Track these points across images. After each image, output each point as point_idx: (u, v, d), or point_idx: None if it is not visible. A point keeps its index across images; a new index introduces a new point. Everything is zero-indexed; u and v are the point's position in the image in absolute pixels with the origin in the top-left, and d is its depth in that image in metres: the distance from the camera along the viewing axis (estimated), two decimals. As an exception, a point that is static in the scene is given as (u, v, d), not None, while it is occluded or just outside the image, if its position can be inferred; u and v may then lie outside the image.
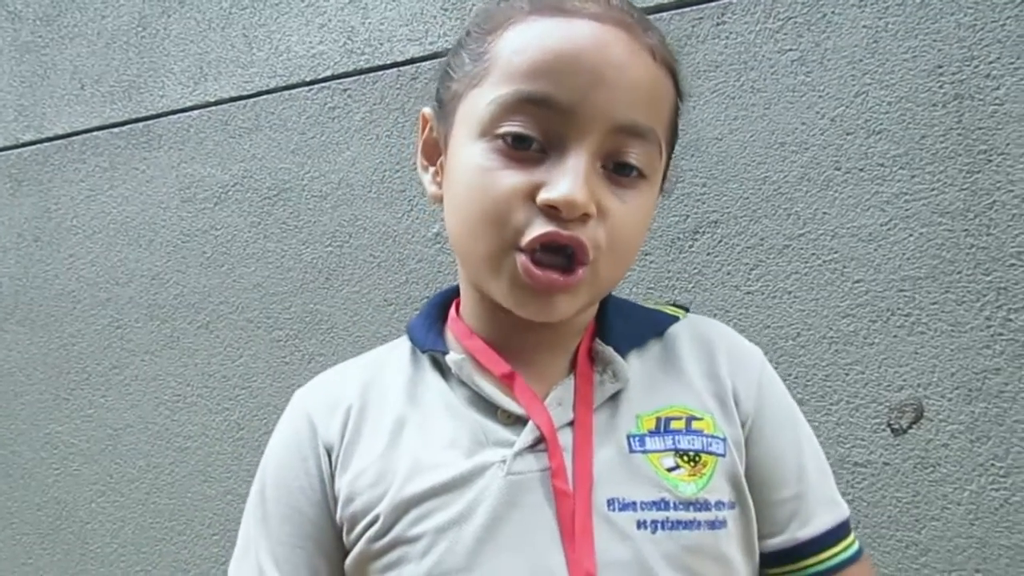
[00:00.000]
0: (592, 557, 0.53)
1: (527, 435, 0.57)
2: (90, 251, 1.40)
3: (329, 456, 0.62)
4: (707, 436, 0.59)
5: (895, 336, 0.94)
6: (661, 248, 1.04)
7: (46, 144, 1.46)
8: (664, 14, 1.05)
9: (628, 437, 0.58)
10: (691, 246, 1.03)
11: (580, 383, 0.59)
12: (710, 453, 0.58)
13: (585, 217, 0.53)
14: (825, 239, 0.97)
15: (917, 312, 0.94)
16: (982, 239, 0.91)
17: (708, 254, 1.02)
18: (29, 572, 1.40)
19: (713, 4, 1.03)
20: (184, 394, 1.31)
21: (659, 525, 0.55)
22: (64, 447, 1.39)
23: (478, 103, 0.56)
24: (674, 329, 0.65)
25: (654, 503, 0.55)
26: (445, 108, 0.60)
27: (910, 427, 0.93)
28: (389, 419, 0.61)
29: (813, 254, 0.98)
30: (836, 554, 0.62)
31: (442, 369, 0.62)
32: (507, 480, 0.55)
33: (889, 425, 0.94)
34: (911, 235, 0.94)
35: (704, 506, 0.56)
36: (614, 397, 0.60)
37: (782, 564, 0.62)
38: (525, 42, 0.55)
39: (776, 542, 0.61)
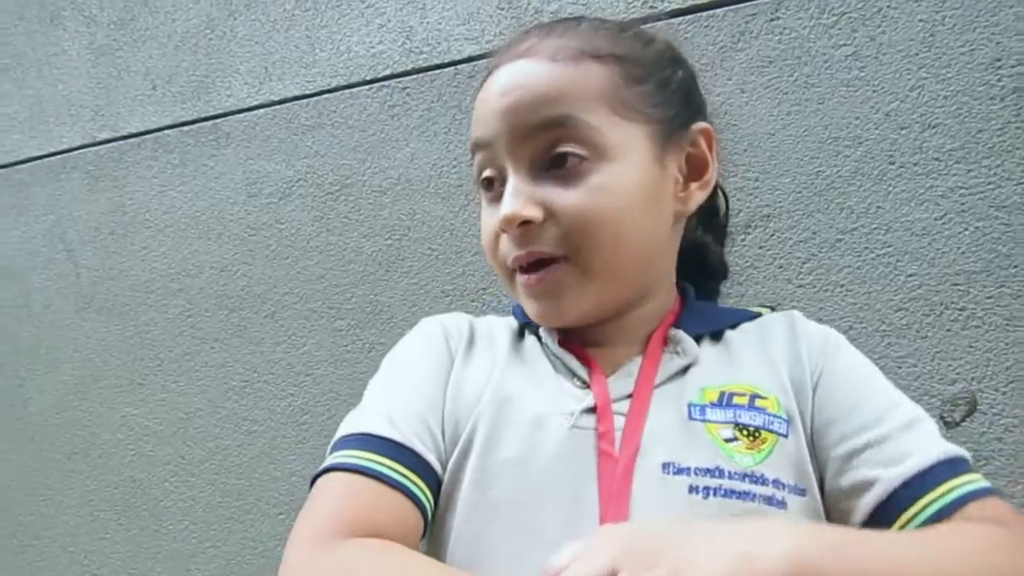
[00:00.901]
0: (624, 516, 0.56)
1: (590, 398, 0.62)
2: (162, 244, 1.47)
3: (452, 361, 0.68)
4: (769, 414, 0.60)
5: (949, 330, 0.94)
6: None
7: (121, 142, 1.53)
8: (718, 11, 1.07)
9: (689, 405, 0.61)
10: (744, 240, 1.04)
11: (646, 362, 0.64)
12: (770, 431, 0.60)
13: (531, 224, 0.62)
14: (878, 233, 0.98)
15: (972, 306, 0.94)
16: (1040, 233, 0.91)
17: (760, 248, 1.04)
18: (106, 546, 1.49)
19: (766, 0, 1.04)
20: (251, 380, 1.37)
21: (711, 491, 0.56)
22: (139, 429, 1.47)
23: (473, 161, 0.69)
24: (752, 323, 0.69)
25: (708, 470, 0.57)
26: None
27: (963, 420, 0.94)
28: (495, 353, 0.68)
29: (866, 248, 0.99)
30: (951, 490, 0.55)
31: (539, 338, 0.70)
32: (571, 431, 0.60)
33: (942, 418, 0.94)
34: (966, 229, 0.94)
35: (760, 480, 0.57)
36: (684, 372, 0.64)
37: (892, 520, 0.56)
38: (475, 106, 0.68)
39: (872, 495, 0.56)
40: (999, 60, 0.94)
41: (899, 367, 0.96)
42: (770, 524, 0.50)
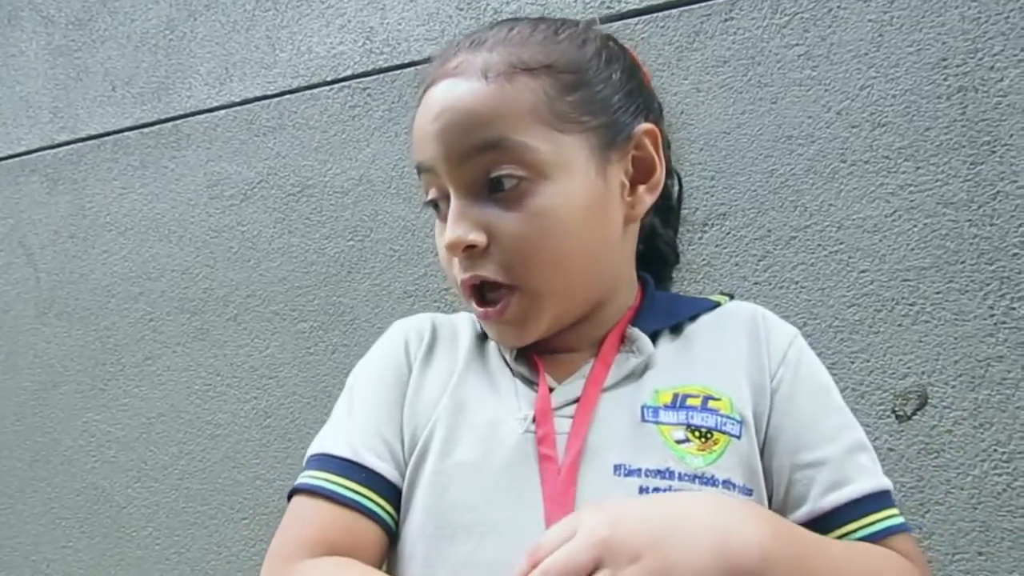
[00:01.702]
0: None
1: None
2: (123, 247, 1.46)
3: (410, 370, 0.69)
4: (722, 415, 0.60)
5: (900, 325, 0.96)
6: (671, 240, 1.07)
7: (80, 144, 1.51)
8: (673, 11, 1.08)
9: (642, 408, 0.61)
10: (700, 238, 1.06)
11: (597, 364, 0.64)
12: (723, 432, 0.60)
13: (473, 249, 0.61)
14: (831, 230, 1.00)
15: (921, 302, 0.96)
16: (985, 229, 0.93)
17: (717, 246, 1.05)
18: (68, 554, 1.47)
19: (720, 1, 1.06)
20: (214, 384, 1.36)
21: (661, 492, 0.57)
22: (101, 435, 1.45)
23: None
24: (712, 314, 0.68)
25: (659, 471, 0.58)
26: None
27: (914, 414, 0.95)
28: (456, 357, 0.68)
29: (819, 245, 1.00)
30: (875, 522, 0.59)
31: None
32: (524, 436, 0.61)
33: (894, 412, 0.96)
34: (915, 226, 0.96)
35: (711, 481, 0.58)
36: (640, 374, 0.63)
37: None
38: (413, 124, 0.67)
39: (803, 512, 0.60)
40: (945, 60, 0.95)
41: (852, 362, 0.98)
42: (743, 514, 0.52)
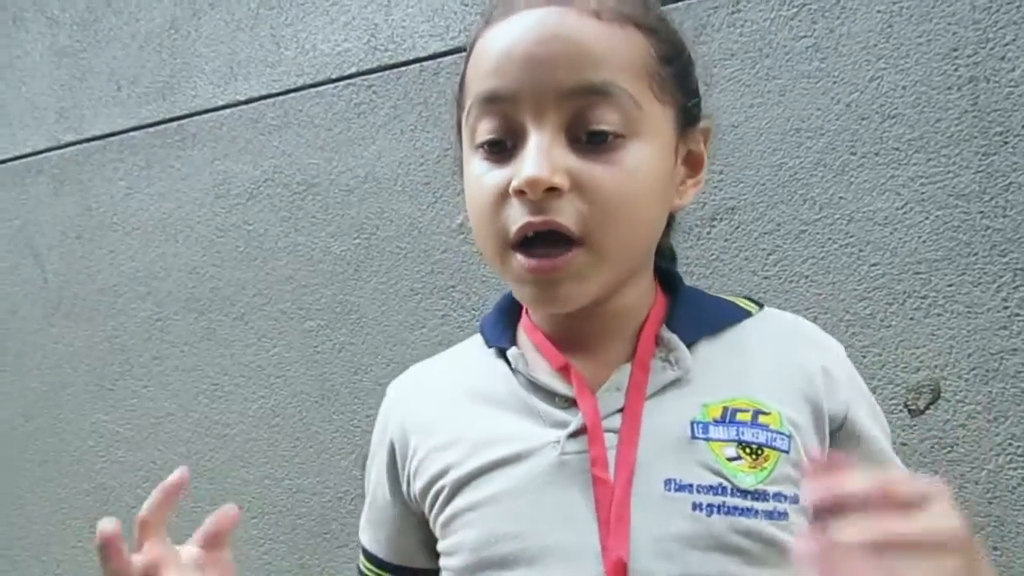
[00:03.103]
0: (626, 544, 0.55)
1: (577, 419, 0.59)
2: (130, 247, 1.46)
3: (394, 446, 0.68)
4: (772, 431, 0.59)
5: (911, 318, 0.95)
6: (679, 235, 1.05)
7: (86, 145, 1.51)
8: (680, 4, 1.07)
9: (692, 423, 0.58)
10: (709, 233, 1.05)
11: (636, 370, 0.60)
12: (773, 448, 0.58)
13: (554, 192, 0.55)
14: (841, 223, 0.99)
15: (933, 294, 0.95)
16: (998, 221, 0.92)
17: (726, 240, 1.04)
18: (78, 554, 1.47)
19: (728, -7, 1.05)
20: (221, 383, 1.36)
21: (715, 509, 0.56)
22: (109, 435, 1.45)
23: (467, 121, 0.60)
24: (749, 322, 0.65)
25: (711, 487, 0.56)
26: (460, 133, 0.64)
27: (927, 408, 0.94)
28: (455, 404, 0.65)
29: (829, 239, 0.99)
30: None
31: (508, 363, 0.65)
32: (559, 459, 0.58)
33: (906, 406, 0.95)
34: (927, 218, 0.95)
35: (762, 496, 0.57)
36: (679, 383, 0.60)
37: None
38: (478, 55, 0.59)
39: None
40: (956, 50, 0.94)
41: (863, 356, 0.97)
42: None
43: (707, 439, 0.58)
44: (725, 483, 0.57)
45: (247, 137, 1.36)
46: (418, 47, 1.24)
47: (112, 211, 1.48)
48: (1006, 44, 0.92)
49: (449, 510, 0.61)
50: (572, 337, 0.63)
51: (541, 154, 0.55)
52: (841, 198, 0.99)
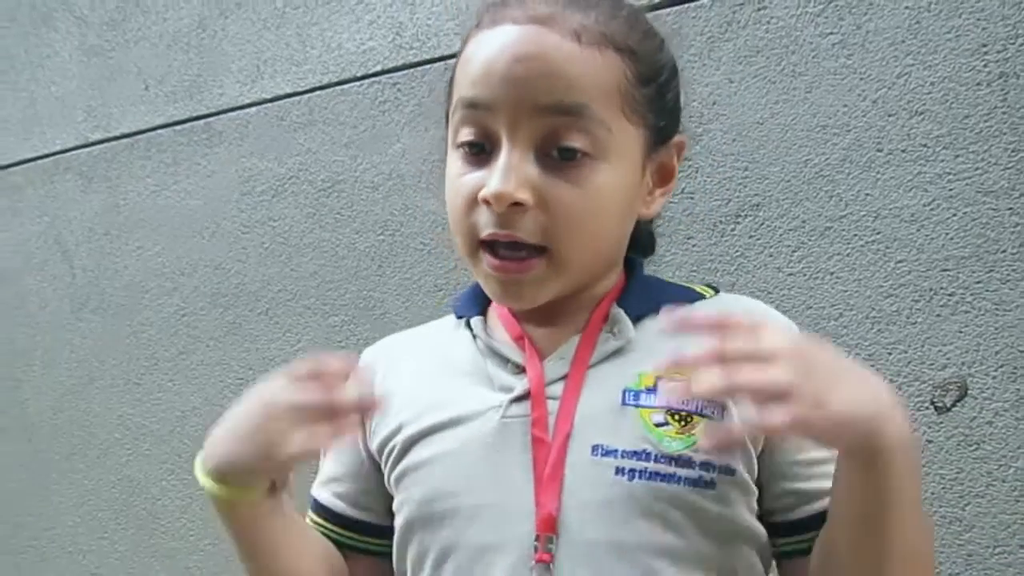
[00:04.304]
0: (556, 500, 0.58)
1: (523, 385, 0.63)
2: (157, 243, 1.48)
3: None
4: (703, 400, 0.60)
5: (938, 315, 0.95)
6: (704, 232, 1.06)
7: (114, 143, 1.54)
8: (705, 1, 1.07)
9: (624, 391, 0.61)
10: (733, 229, 1.05)
11: (582, 341, 0.64)
12: (702, 415, 0.60)
13: (519, 206, 0.58)
14: (868, 220, 0.98)
15: (961, 291, 0.94)
16: (1027, 217, 0.92)
17: (750, 237, 1.04)
18: (105, 545, 1.49)
19: (754, -10, 1.05)
20: (246, 378, 1.38)
21: (637, 474, 0.58)
22: (136, 428, 1.47)
23: (452, 119, 0.64)
24: (700, 304, 0.67)
25: (635, 452, 0.58)
26: (447, 126, 0.68)
27: (954, 405, 0.94)
28: (418, 369, 0.69)
29: (855, 235, 0.99)
30: None
31: (471, 331, 0.69)
32: (501, 422, 0.61)
33: (933, 403, 0.95)
34: (955, 215, 0.95)
35: (688, 463, 0.58)
36: (621, 353, 0.63)
37: (794, 534, 0.61)
38: (465, 58, 0.63)
39: (780, 516, 0.61)
40: (985, 46, 0.94)
41: (890, 353, 0.97)
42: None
43: (637, 406, 0.60)
44: (650, 448, 0.59)
45: (273, 135, 1.38)
46: (443, 45, 1.25)
47: (139, 208, 1.50)
48: (1036, 40, 0.92)
49: (399, 468, 0.65)
50: (534, 312, 0.67)
51: (509, 169, 0.59)
52: (867, 195, 0.98)
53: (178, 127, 1.47)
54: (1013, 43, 0.93)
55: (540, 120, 0.59)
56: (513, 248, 0.60)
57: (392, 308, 1.26)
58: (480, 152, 0.61)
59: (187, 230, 1.45)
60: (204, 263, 1.43)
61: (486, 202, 0.59)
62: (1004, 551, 0.91)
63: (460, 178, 0.62)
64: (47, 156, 1.60)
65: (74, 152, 1.57)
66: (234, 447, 0.60)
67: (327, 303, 1.32)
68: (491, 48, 0.60)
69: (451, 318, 0.73)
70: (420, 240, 1.25)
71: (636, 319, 0.65)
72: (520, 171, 0.59)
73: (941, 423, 0.94)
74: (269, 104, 1.39)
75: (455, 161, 0.63)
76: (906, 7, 0.97)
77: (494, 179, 0.58)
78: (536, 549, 0.57)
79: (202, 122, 1.45)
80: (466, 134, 0.61)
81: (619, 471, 0.58)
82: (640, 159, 0.64)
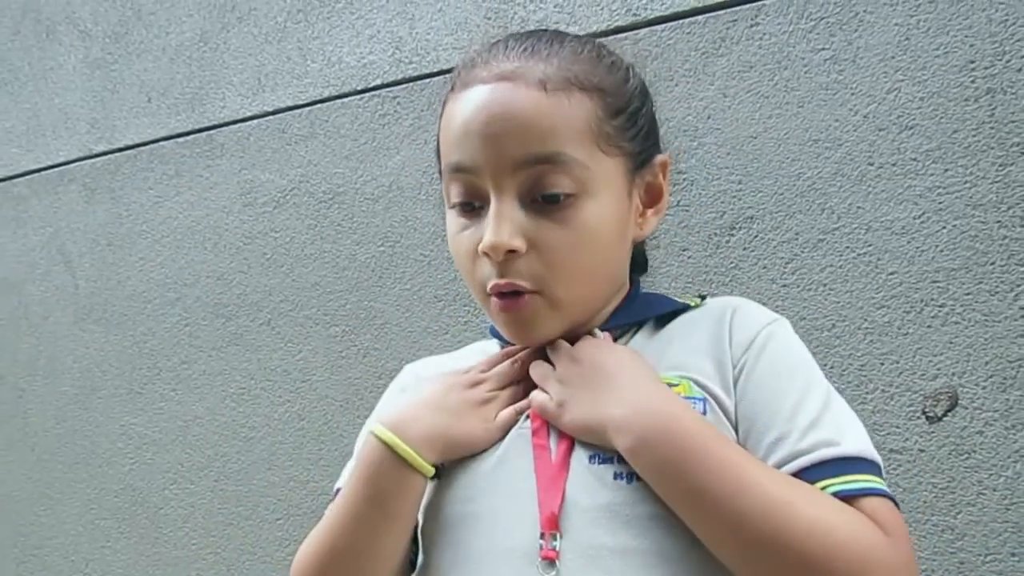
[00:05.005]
0: (557, 502, 0.60)
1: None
2: (159, 254, 1.49)
3: (406, 391, 0.76)
4: (684, 399, 0.63)
5: (929, 326, 0.97)
6: (698, 244, 1.08)
7: (117, 154, 1.55)
8: (699, 17, 1.09)
9: None
10: (728, 241, 1.07)
11: None
12: None
13: (513, 254, 0.63)
14: (859, 233, 1.00)
15: (951, 303, 0.96)
16: (1015, 231, 0.93)
17: (744, 249, 1.06)
18: (107, 554, 1.50)
19: (747, 6, 1.07)
20: (248, 387, 1.39)
21: (635, 476, 0.60)
22: (138, 438, 1.49)
23: (443, 179, 0.69)
24: (687, 314, 0.70)
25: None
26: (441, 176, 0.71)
27: (945, 415, 0.96)
28: None
29: (847, 247, 1.01)
30: (829, 485, 0.58)
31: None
32: (519, 432, 0.65)
33: (924, 413, 0.96)
34: (944, 228, 0.96)
35: None
36: None
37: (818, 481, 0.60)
38: (445, 123, 0.68)
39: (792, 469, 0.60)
40: (973, 62, 0.96)
41: (881, 363, 0.98)
42: (656, 412, 0.60)
43: None
44: None
45: (274, 147, 1.39)
46: (442, 59, 1.27)
47: (142, 219, 1.51)
48: (1023, 56, 0.94)
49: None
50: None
51: (500, 221, 0.63)
52: (859, 208, 1.00)
53: (180, 139, 1.49)
54: (1000, 59, 0.95)
55: (521, 173, 0.62)
56: (514, 294, 0.65)
57: (392, 319, 1.28)
58: (472, 209, 0.66)
59: (189, 241, 1.46)
60: (206, 274, 1.44)
61: (485, 254, 0.63)
62: (995, 559, 0.93)
63: (459, 235, 0.67)
64: (51, 167, 1.62)
65: (77, 163, 1.59)
66: (450, 421, 0.65)
67: (328, 313, 1.33)
68: (465, 111, 0.64)
69: (489, 344, 0.77)
70: (420, 251, 1.27)
71: (624, 332, 0.69)
72: (511, 220, 0.63)
73: (932, 433, 0.96)
74: (270, 117, 1.40)
75: (452, 219, 0.68)
76: (896, 24, 0.99)
77: (488, 232, 0.62)
78: (541, 547, 0.59)
79: (204, 134, 1.46)
80: (456, 195, 0.66)
81: (617, 476, 0.61)
82: (624, 185, 0.66)
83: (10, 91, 1.68)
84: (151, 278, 1.49)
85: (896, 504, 0.60)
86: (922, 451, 0.96)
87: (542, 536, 0.59)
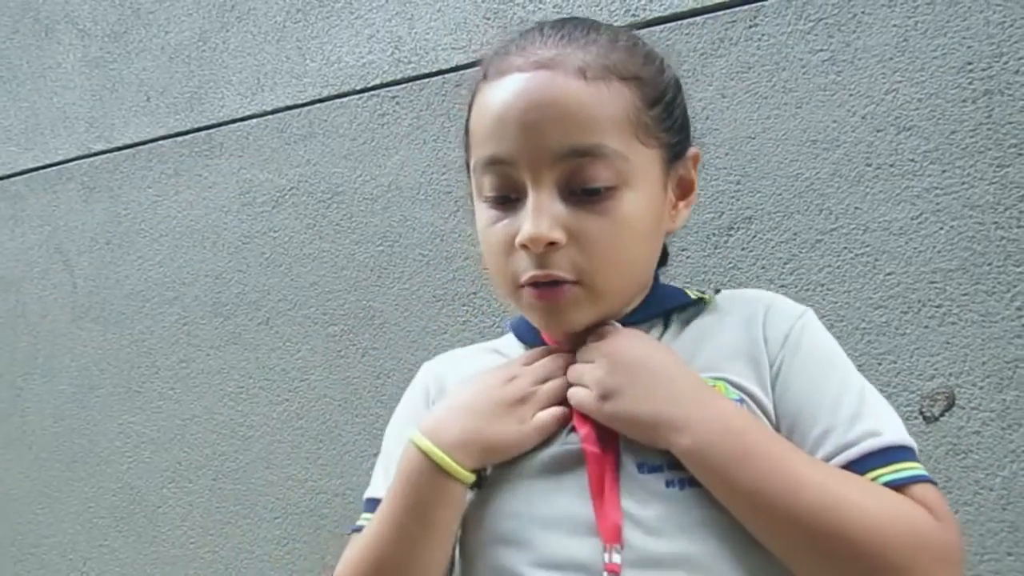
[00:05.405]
0: (618, 511, 0.58)
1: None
2: (158, 253, 1.49)
3: (429, 389, 0.74)
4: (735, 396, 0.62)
5: (926, 327, 0.97)
6: (697, 244, 1.08)
7: (115, 153, 1.55)
8: (697, 19, 1.09)
9: None
10: (726, 242, 1.07)
11: None
12: None
13: (553, 246, 0.61)
14: (857, 233, 1.01)
15: (948, 303, 0.96)
16: (1012, 231, 0.94)
17: (743, 249, 1.06)
18: (105, 553, 1.50)
19: (745, 7, 1.07)
20: (246, 386, 1.39)
21: (686, 483, 0.59)
22: (136, 436, 1.49)
23: (475, 173, 0.66)
24: (711, 314, 0.68)
25: (678, 464, 0.59)
26: (469, 174, 0.69)
27: (942, 415, 0.96)
28: None
29: (845, 248, 1.01)
30: (883, 475, 0.59)
31: None
32: (562, 445, 0.63)
33: (921, 413, 0.97)
34: (942, 228, 0.97)
35: None
36: None
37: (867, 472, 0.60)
38: (478, 113, 0.65)
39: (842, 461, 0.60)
40: (970, 63, 0.96)
41: (879, 364, 0.98)
42: (712, 411, 0.59)
43: None
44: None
45: (273, 146, 1.40)
46: (441, 59, 1.27)
47: (140, 218, 1.51)
48: (1020, 58, 0.94)
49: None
50: (580, 336, 0.68)
51: (540, 212, 0.61)
52: (857, 208, 1.01)
53: (179, 138, 1.49)
54: (997, 61, 0.95)
55: (561, 165, 0.61)
56: (552, 283, 0.62)
57: (391, 318, 1.28)
58: (506, 201, 0.64)
59: (188, 240, 1.46)
60: (205, 273, 1.44)
61: (523, 246, 0.61)
62: (992, 558, 0.93)
63: (492, 227, 0.65)
64: (49, 166, 1.62)
65: (76, 162, 1.59)
66: (481, 424, 0.63)
67: (327, 313, 1.33)
68: (502, 100, 0.62)
69: (507, 339, 0.75)
70: (419, 251, 1.27)
71: (647, 330, 0.67)
72: (550, 212, 0.61)
73: (929, 432, 0.96)
74: (269, 116, 1.41)
75: (484, 212, 0.66)
76: (894, 25, 1.00)
77: (528, 223, 0.61)
78: (605, 560, 0.57)
79: (203, 133, 1.47)
80: (492, 188, 0.64)
81: (669, 483, 0.59)
82: (661, 177, 0.65)
83: (8, 89, 1.68)
84: (149, 277, 1.49)
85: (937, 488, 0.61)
86: (919, 451, 0.96)
87: (605, 550, 0.58)
